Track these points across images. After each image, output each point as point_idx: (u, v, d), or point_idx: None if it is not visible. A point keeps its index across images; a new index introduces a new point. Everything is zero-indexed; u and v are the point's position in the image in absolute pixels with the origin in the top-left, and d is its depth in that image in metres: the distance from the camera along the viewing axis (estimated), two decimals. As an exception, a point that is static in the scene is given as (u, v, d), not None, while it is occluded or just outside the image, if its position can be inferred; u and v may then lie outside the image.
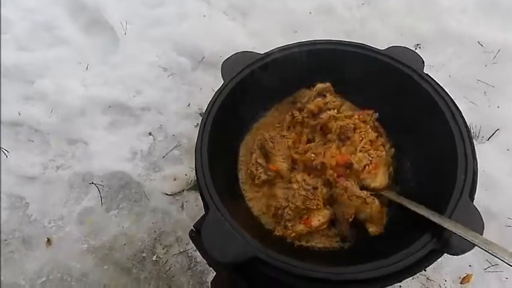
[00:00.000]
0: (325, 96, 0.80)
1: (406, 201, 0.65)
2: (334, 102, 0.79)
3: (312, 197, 0.67)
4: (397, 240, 0.60)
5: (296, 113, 0.81)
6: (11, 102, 1.26)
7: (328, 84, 0.81)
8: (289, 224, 0.68)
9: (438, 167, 0.66)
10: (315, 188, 0.69)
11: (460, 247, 0.53)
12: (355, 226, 0.71)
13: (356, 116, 0.78)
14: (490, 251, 0.51)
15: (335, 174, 0.71)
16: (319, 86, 0.81)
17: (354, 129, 0.75)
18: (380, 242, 0.66)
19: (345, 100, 0.84)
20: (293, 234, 0.68)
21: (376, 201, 0.69)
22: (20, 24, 1.41)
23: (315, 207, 0.67)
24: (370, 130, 0.77)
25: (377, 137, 0.78)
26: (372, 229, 0.68)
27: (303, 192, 0.68)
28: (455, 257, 0.60)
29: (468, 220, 0.56)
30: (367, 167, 0.72)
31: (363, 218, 0.70)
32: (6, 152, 1.18)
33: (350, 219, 0.68)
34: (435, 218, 0.56)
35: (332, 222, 0.72)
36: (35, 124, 1.23)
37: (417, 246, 0.55)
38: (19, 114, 1.24)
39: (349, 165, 0.70)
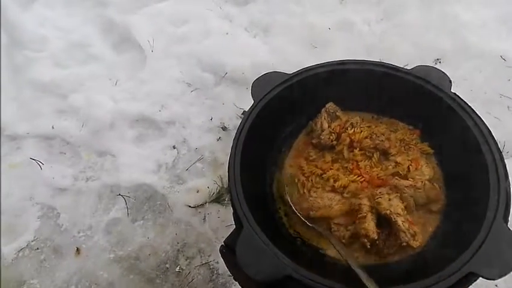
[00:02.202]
0: (337, 116, 0.81)
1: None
2: (348, 121, 0.80)
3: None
4: (433, 260, 0.60)
5: (312, 153, 0.82)
6: (45, 117, 1.33)
7: (330, 104, 0.81)
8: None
9: (470, 188, 0.65)
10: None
11: (497, 272, 0.52)
12: (395, 249, 0.69)
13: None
14: None
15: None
16: (324, 109, 0.82)
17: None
18: (417, 262, 0.65)
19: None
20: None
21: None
22: (56, 42, 1.49)
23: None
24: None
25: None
26: (414, 243, 0.66)
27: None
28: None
29: (502, 242, 0.55)
30: (410, 166, 0.74)
31: (421, 202, 0.71)
32: (41, 163, 1.24)
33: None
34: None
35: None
36: (67, 137, 1.29)
37: (452, 269, 0.54)
38: (52, 127, 1.31)
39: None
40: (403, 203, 0.69)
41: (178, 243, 1.12)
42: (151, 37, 1.47)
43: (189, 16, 1.55)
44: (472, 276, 0.55)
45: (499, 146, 1.13)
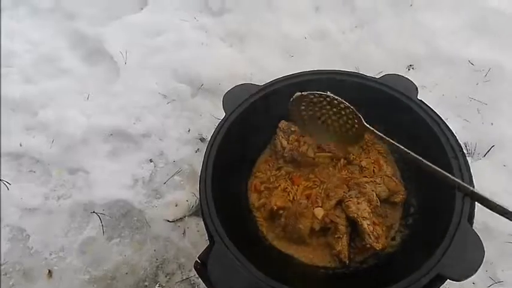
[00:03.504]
0: (292, 131, 0.83)
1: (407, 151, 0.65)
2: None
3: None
4: (400, 267, 0.61)
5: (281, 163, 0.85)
6: (13, 134, 1.28)
7: (282, 122, 0.84)
8: None
9: (436, 192, 0.67)
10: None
11: (463, 273, 0.53)
12: (359, 250, 0.73)
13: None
14: None
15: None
16: (278, 129, 0.85)
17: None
18: (384, 268, 0.66)
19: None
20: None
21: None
22: (25, 56, 1.45)
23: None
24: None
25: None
26: (377, 245, 0.69)
27: None
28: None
29: (468, 244, 0.56)
30: (374, 169, 0.80)
31: (384, 196, 0.75)
32: (8, 184, 1.18)
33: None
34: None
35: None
36: (36, 155, 1.25)
37: (421, 272, 0.55)
38: (20, 145, 1.26)
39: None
40: (370, 205, 0.72)
41: (157, 259, 1.09)
42: (124, 49, 1.45)
43: (163, 27, 1.53)
44: (440, 279, 0.56)
45: (471, 147, 1.17)
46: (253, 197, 0.82)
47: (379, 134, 0.67)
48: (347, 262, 0.70)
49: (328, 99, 0.71)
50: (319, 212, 0.73)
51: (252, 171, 0.85)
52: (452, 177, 0.58)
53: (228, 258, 0.55)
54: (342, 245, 0.70)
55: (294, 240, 0.75)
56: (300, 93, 0.72)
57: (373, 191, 0.74)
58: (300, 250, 0.75)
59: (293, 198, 0.78)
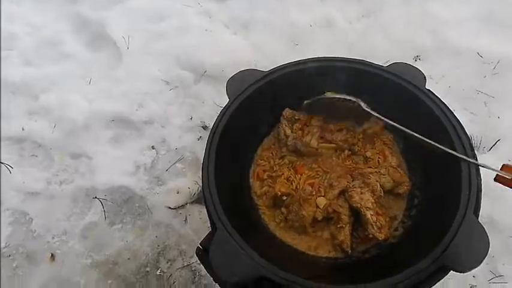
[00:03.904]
0: (296, 119, 0.82)
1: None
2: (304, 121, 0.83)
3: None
4: (404, 257, 0.60)
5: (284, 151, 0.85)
6: (15, 118, 1.27)
7: (286, 110, 0.83)
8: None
9: (443, 183, 0.66)
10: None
11: (467, 265, 0.53)
12: (362, 240, 0.73)
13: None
14: None
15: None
16: (282, 117, 0.84)
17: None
18: (387, 258, 0.66)
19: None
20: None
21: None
22: (26, 39, 1.43)
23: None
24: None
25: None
26: (380, 235, 0.69)
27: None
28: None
29: (473, 236, 0.56)
30: (379, 159, 0.80)
31: (388, 187, 0.75)
32: (10, 167, 1.18)
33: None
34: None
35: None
36: (38, 139, 1.24)
37: (425, 263, 0.55)
38: (23, 129, 1.25)
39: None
40: (373, 196, 0.72)
41: (158, 245, 1.09)
42: (126, 34, 1.43)
43: (166, 12, 1.51)
44: (444, 270, 0.56)
45: (476, 141, 1.16)
46: (255, 185, 0.81)
47: (375, 114, 0.69)
48: (349, 252, 0.70)
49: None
50: (322, 202, 0.73)
51: (254, 159, 0.85)
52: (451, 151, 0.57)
53: (230, 244, 0.55)
54: (345, 234, 0.70)
55: (295, 229, 0.75)
56: (309, 101, 0.73)
57: (377, 181, 0.74)
58: (301, 240, 0.75)
59: (296, 187, 0.77)
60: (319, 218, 0.72)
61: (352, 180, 0.75)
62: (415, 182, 0.79)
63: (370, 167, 0.78)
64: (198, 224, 1.12)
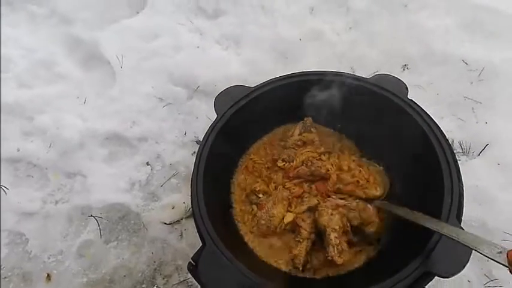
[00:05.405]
0: (311, 131, 0.84)
1: (400, 209, 0.66)
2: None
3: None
4: (388, 265, 0.61)
5: (280, 163, 0.85)
6: (10, 139, 1.28)
7: (309, 118, 0.85)
8: None
9: (425, 190, 0.67)
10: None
11: (450, 270, 0.54)
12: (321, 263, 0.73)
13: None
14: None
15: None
16: (303, 121, 0.86)
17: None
18: (372, 267, 0.66)
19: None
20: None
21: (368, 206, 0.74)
22: (20, 62, 1.45)
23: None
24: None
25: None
26: (339, 259, 0.69)
27: None
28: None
29: (456, 242, 0.57)
30: (359, 181, 0.78)
31: (358, 222, 0.74)
32: (5, 188, 1.19)
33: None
34: (432, 223, 0.56)
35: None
36: (34, 159, 1.25)
37: (409, 270, 0.55)
38: (18, 150, 1.26)
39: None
40: (341, 223, 0.72)
41: (154, 262, 1.09)
42: (120, 53, 1.45)
43: (159, 31, 1.54)
44: (427, 275, 0.56)
45: (465, 146, 1.18)
46: (240, 178, 0.84)
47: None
48: (300, 268, 0.70)
49: None
50: (289, 217, 0.75)
51: (240, 172, 0.86)
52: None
53: (219, 258, 0.56)
54: (300, 249, 0.70)
55: (263, 232, 0.76)
56: None
57: (344, 215, 0.74)
58: (267, 246, 0.75)
59: (276, 188, 0.79)
60: (283, 226, 0.73)
61: (324, 202, 0.76)
62: (396, 188, 0.79)
63: (343, 199, 0.78)
64: (193, 238, 1.12)
